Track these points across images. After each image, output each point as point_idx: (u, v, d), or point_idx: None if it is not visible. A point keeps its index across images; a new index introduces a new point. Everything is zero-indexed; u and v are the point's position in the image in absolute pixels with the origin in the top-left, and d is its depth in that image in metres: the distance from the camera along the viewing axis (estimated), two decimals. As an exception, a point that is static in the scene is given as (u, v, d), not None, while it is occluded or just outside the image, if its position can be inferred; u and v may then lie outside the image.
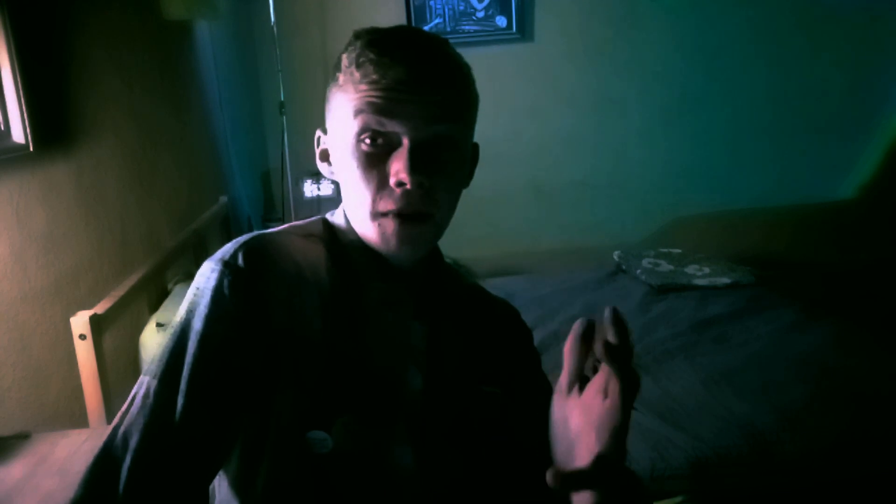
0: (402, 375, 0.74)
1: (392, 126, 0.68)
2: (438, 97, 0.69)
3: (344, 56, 0.72)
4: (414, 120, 0.68)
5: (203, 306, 0.67)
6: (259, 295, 0.69)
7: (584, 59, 3.35)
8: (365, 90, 0.68)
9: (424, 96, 0.68)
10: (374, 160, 0.69)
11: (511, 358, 0.84)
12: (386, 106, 0.68)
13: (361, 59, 0.69)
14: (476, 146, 0.79)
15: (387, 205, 0.69)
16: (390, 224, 0.70)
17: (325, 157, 0.78)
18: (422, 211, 0.70)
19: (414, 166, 0.67)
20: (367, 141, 0.69)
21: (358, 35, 0.72)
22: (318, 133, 0.79)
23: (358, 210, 0.72)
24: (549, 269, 3.17)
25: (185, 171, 2.28)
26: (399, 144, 0.69)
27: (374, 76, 0.68)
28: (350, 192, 0.72)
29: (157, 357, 0.67)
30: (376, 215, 0.70)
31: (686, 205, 3.45)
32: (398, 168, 0.68)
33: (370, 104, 0.68)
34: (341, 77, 0.71)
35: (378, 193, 0.69)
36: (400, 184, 0.68)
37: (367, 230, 0.72)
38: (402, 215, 0.69)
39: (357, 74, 0.69)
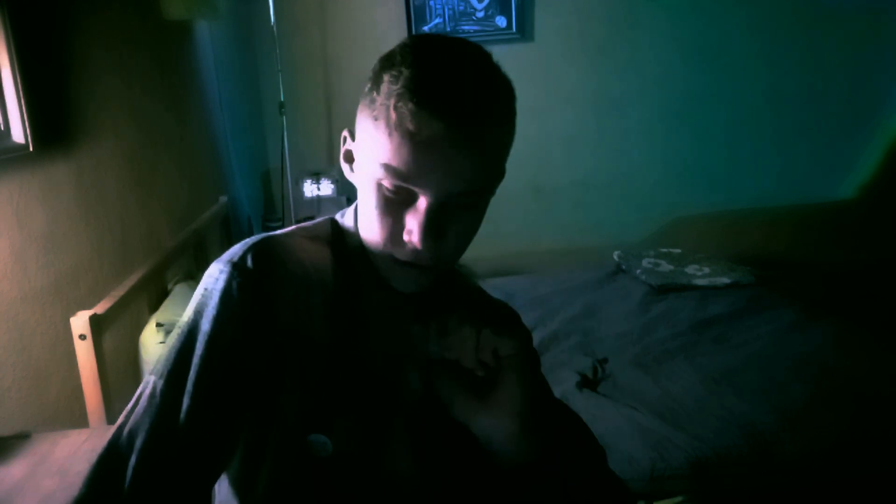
0: (402, 377, 0.75)
1: (415, 186, 0.65)
2: (471, 163, 0.64)
3: (385, 77, 0.65)
4: (438, 185, 0.64)
5: (211, 307, 0.67)
6: (267, 297, 0.69)
7: (584, 59, 3.34)
8: (397, 139, 0.63)
9: (455, 162, 0.64)
10: (392, 207, 0.67)
11: None
12: (412, 165, 0.63)
13: (400, 104, 0.63)
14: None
15: (398, 252, 0.69)
16: (399, 264, 0.70)
17: (349, 159, 0.76)
18: (430, 264, 0.69)
19: (428, 231, 0.65)
20: (388, 188, 0.66)
21: (404, 56, 0.65)
22: (345, 134, 0.76)
23: (370, 240, 0.71)
24: (549, 269, 3.17)
25: (185, 171, 2.28)
26: (418, 202, 0.66)
27: (410, 127, 0.62)
28: (365, 218, 0.71)
29: (163, 357, 0.67)
30: (386, 253, 0.70)
31: (686, 205, 3.46)
32: (412, 229, 0.66)
33: (397, 158, 0.64)
34: (378, 101, 0.65)
35: (390, 240, 0.68)
36: (411, 242, 0.67)
37: (376, 258, 0.72)
38: (410, 264, 0.69)
39: (393, 115, 0.63)
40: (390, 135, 0.64)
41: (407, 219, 0.66)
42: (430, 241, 0.65)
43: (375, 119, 0.65)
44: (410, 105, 0.62)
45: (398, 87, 0.63)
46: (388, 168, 0.64)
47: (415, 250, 0.67)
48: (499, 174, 0.71)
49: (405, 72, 0.64)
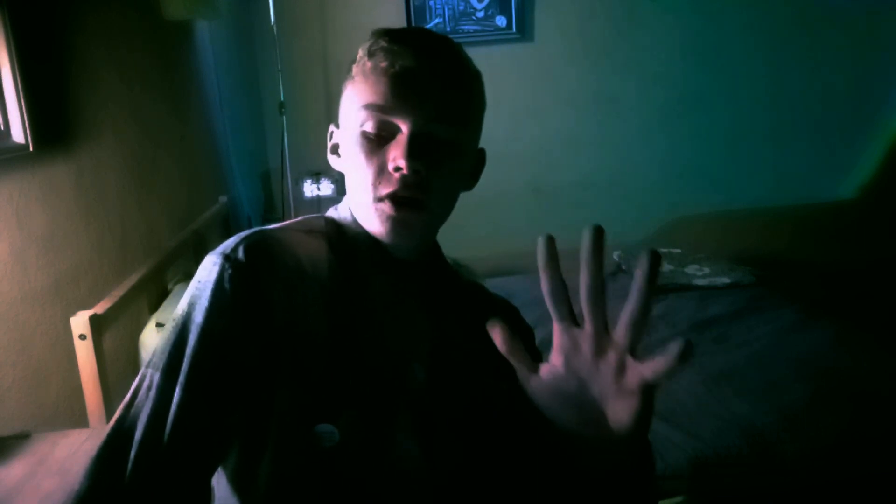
0: (406, 368, 0.75)
1: (395, 117, 0.70)
2: (443, 95, 0.71)
3: (360, 49, 0.74)
4: (416, 114, 0.70)
5: (204, 299, 0.67)
6: (260, 289, 0.69)
7: (584, 59, 3.34)
8: (374, 79, 0.71)
9: (430, 91, 0.70)
10: (376, 147, 0.72)
11: None
12: (390, 96, 0.70)
13: (374, 48, 0.72)
14: (482, 151, 0.81)
15: (385, 188, 0.71)
16: (388, 207, 0.72)
17: (336, 150, 0.80)
18: (417, 197, 0.71)
19: (411, 153, 0.69)
20: (372, 129, 0.72)
21: (375, 31, 0.75)
22: (332, 128, 0.81)
23: (360, 195, 0.74)
24: (549, 270, 3.17)
25: (185, 171, 2.28)
26: (400, 134, 0.71)
27: (384, 63, 0.71)
28: (353, 179, 0.75)
29: (159, 349, 0.67)
30: (376, 199, 0.72)
31: (686, 205, 3.45)
32: (396, 154, 0.70)
33: (375, 94, 0.71)
34: (355, 69, 0.74)
35: (378, 178, 0.72)
36: (397, 169, 0.70)
37: (368, 214, 0.74)
38: (398, 199, 0.71)
39: (369, 64, 0.72)
40: (367, 78, 0.72)
41: (391, 151, 0.71)
42: (413, 163, 0.69)
43: (353, 79, 0.73)
44: (383, 45, 0.71)
45: (371, 41, 0.73)
46: (368, 107, 0.71)
47: (402, 178, 0.70)
48: (471, 130, 0.76)
49: (375, 35, 0.74)
